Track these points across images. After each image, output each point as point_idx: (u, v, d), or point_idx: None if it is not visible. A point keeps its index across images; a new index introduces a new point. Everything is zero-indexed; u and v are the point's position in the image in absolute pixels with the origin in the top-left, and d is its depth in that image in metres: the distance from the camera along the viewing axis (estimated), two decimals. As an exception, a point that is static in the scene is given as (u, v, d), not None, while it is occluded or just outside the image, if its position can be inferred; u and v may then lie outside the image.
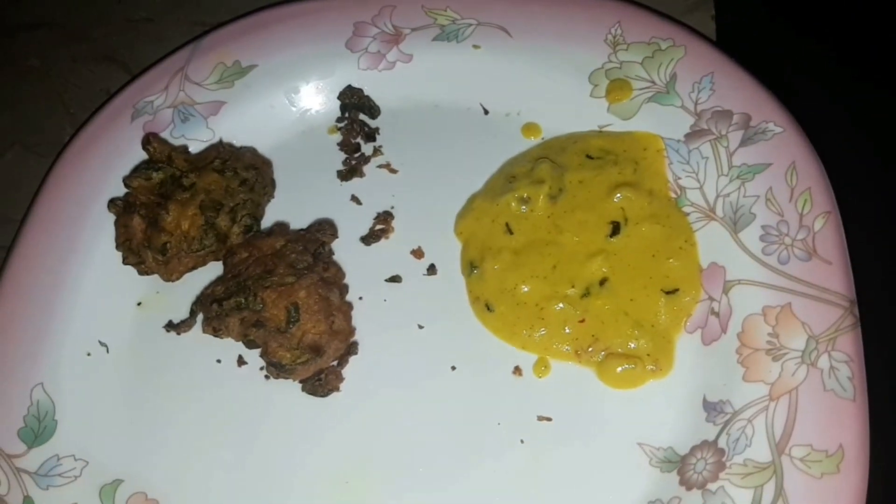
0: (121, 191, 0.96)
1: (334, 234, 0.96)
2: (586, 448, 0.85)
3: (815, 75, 1.03)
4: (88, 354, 0.93)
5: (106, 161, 1.00)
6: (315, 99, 1.05)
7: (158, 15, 1.22)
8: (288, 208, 1.00)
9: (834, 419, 0.77)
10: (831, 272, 0.84)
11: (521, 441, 0.86)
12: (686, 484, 0.80)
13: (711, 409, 0.83)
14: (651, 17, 1.01)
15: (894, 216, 0.94)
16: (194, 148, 1.02)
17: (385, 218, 0.99)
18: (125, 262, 0.94)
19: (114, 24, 1.23)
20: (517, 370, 0.89)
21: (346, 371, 0.90)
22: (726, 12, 1.09)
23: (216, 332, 0.88)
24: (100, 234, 0.97)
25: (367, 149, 1.04)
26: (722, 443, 0.81)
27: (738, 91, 0.94)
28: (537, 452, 0.85)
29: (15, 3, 1.26)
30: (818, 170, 0.88)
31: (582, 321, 0.89)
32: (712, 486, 0.79)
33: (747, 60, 0.97)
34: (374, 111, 1.05)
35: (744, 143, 0.92)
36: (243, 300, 0.86)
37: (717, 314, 0.87)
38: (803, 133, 0.90)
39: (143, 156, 0.98)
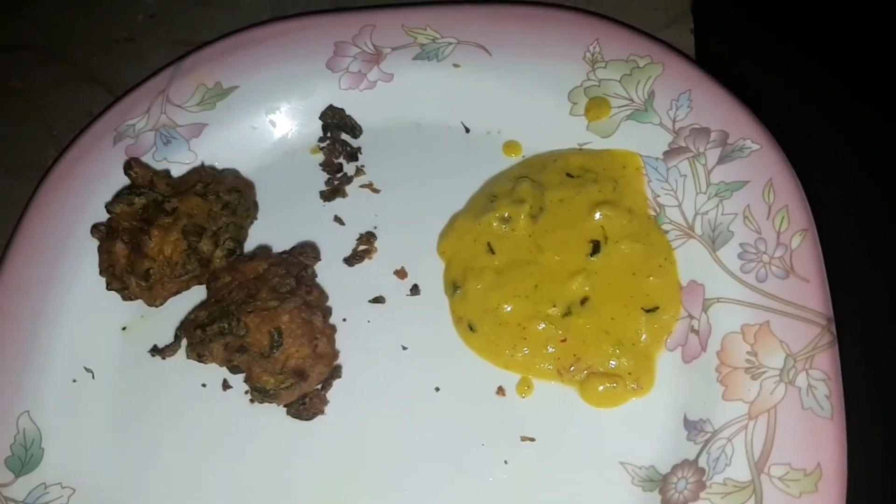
0: (103, 216, 0.96)
1: (317, 257, 0.97)
2: (569, 468, 0.85)
3: (793, 89, 1.03)
4: (74, 381, 0.93)
5: (88, 185, 1.01)
6: (297, 119, 1.06)
7: (139, 34, 1.22)
8: (271, 230, 1.01)
9: (812, 438, 0.78)
10: (808, 290, 0.84)
11: (505, 462, 0.86)
12: (667, 503, 0.81)
13: (692, 427, 0.84)
14: (629, 33, 1.01)
15: (872, 233, 0.94)
16: (176, 171, 1.02)
17: (368, 238, 0.99)
18: (109, 287, 0.94)
19: (95, 44, 1.23)
20: (500, 390, 0.90)
21: (331, 394, 0.91)
22: (705, 25, 1.10)
23: (200, 358, 0.89)
24: (83, 259, 0.97)
25: (349, 168, 1.04)
26: (702, 462, 0.81)
27: (715, 108, 0.95)
28: (521, 473, 0.86)
29: (-6, 24, 1.26)
30: (795, 187, 0.89)
31: (564, 340, 0.90)
32: (693, 506, 0.80)
33: (726, 74, 0.98)
34: (355, 131, 1.05)
35: (721, 160, 0.92)
36: (226, 325, 0.86)
37: (696, 332, 0.88)
38: (780, 150, 0.91)
39: (126, 180, 0.98)
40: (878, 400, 0.86)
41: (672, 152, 0.95)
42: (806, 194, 0.89)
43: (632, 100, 0.98)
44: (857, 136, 0.99)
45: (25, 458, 0.88)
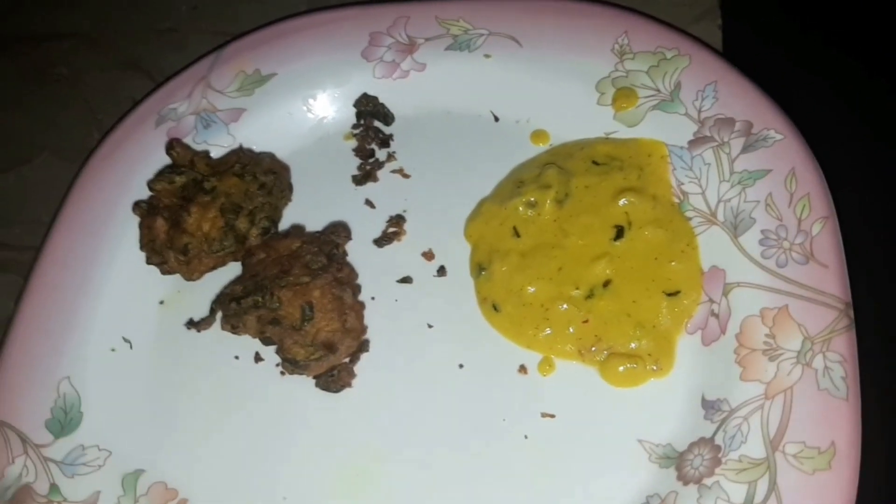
0: (145, 194, 1.00)
1: (348, 237, 1.00)
2: (588, 444, 0.87)
3: (817, 82, 1.05)
4: (113, 350, 0.97)
5: (131, 165, 1.05)
6: (331, 106, 1.09)
7: (182, 25, 1.27)
8: (304, 211, 1.04)
9: (827, 417, 0.80)
10: (827, 275, 0.86)
11: (525, 437, 0.89)
12: (683, 479, 0.83)
13: (709, 407, 0.86)
14: (657, 26, 1.04)
15: (890, 222, 0.96)
16: (215, 153, 1.06)
17: (397, 221, 1.02)
18: (149, 262, 0.98)
19: (139, 33, 1.27)
20: (522, 368, 0.92)
21: (358, 368, 0.94)
22: (732, 21, 1.12)
23: (234, 330, 0.92)
24: (125, 235, 1.01)
25: (381, 154, 1.07)
26: (718, 439, 0.83)
27: (740, 99, 0.97)
28: (540, 448, 0.88)
29: (44, 14, 1.31)
30: (817, 176, 0.91)
31: (586, 322, 0.92)
32: (708, 482, 0.81)
33: (752, 68, 1.00)
34: (388, 118, 1.08)
35: (745, 149, 0.94)
36: (260, 299, 0.90)
37: (716, 316, 0.90)
38: (803, 140, 0.93)
39: (167, 160, 1.03)
40: (892, 382, 0.87)
41: (697, 141, 0.97)
42: (828, 183, 0.90)
43: (658, 90, 1.00)
44: (881, 127, 1.00)
45: (65, 421, 0.92)
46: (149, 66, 1.24)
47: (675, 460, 0.85)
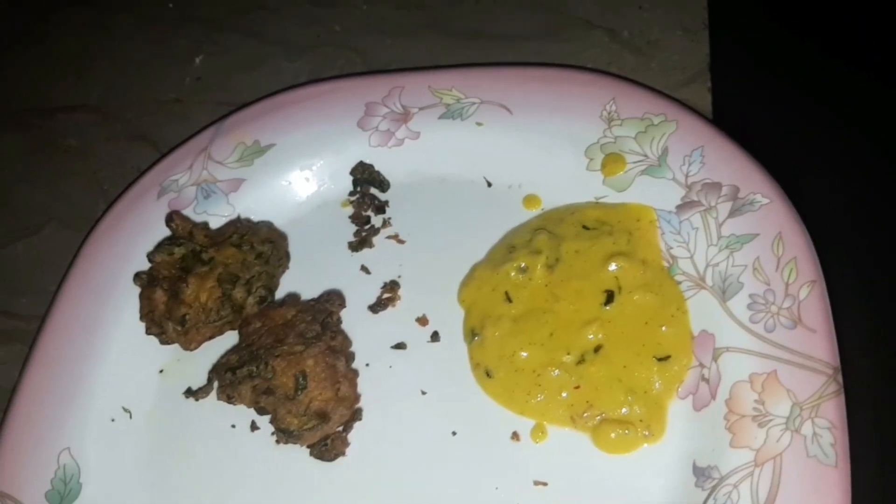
0: (147, 265, 1.02)
1: (342, 304, 1.01)
2: (580, 512, 0.87)
3: (806, 146, 1.06)
4: (112, 420, 0.99)
5: (133, 237, 1.07)
6: (329, 174, 1.12)
7: (186, 96, 1.31)
8: (302, 278, 1.06)
9: (816, 485, 0.79)
10: (816, 340, 0.86)
11: (518, 505, 0.89)
12: (675, 548, 0.83)
13: (700, 474, 0.85)
14: (644, 92, 1.06)
15: (880, 285, 0.96)
16: (215, 223, 1.08)
17: (392, 287, 1.04)
18: (148, 332, 1.00)
19: (145, 104, 1.31)
20: (515, 435, 0.92)
21: (352, 436, 0.95)
22: (722, 84, 1.14)
23: (230, 399, 0.93)
24: (126, 305, 1.03)
25: (377, 221, 1.09)
26: (709, 508, 0.83)
27: (727, 163, 0.98)
28: (532, 517, 0.88)
29: (55, 87, 1.36)
30: (804, 240, 0.91)
31: (577, 387, 0.92)
32: (699, 551, 0.81)
33: (741, 131, 1.01)
34: (384, 185, 1.11)
35: (732, 213, 0.95)
36: (255, 368, 0.91)
37: (707, 381, 0.90)
38: (790, 203, 0.94)
39: (167, 231, 1.05)
40: (883, 449, 0.87)
41: (685, 206, 0.98)
42: (815, 247, 0.91)
43: (646, 155, 1.02)
44: (870, 190, 1.01)
45: (64, 492, 0.93)
46: (154, 136, 1.28)
47: (667, 529, 0.84)
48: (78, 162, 1.28)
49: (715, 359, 0.90)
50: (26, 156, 1.31)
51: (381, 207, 1.10)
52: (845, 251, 0.96)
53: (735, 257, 0.93)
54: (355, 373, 0.97)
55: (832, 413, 0.82)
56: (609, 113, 1.05)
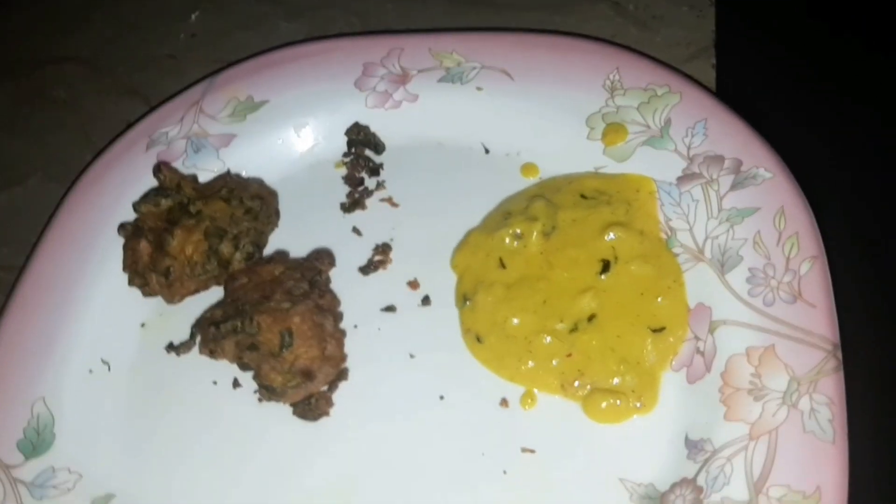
0: (132, 216, 1.00)
1: (332, 263, 0.99)
2: (568, 482, 0.85)
3: (810, 122, 1.04)
4: (90, 371, 0.96)
5: (120, 188, 1.05)
6: (323, 134, 1.09)
7: (180, 52, 1.28)
8: (290, 237, 1.04)
9: (812, 461, 0.77)
10: (816, 315, 0.84)
11: (504, 472, 0.86)
12: (664, 520, 0.81)
13: (692, 446, 0.83)
14: (649, 63, 1.04)
15: (881, 262, 0.94)
16: (204, 177, 1.06)
17: (384, 249, 1.01)
18: (131, 283, 0.98)
19: (138, 60, 1.29)
20: (504, 402, 0.90)
21: (337, 397, 0.92)
22: (727, 60, 1.12)
23: (212, 354, 0.91)
24: (110, 257, 1.01)
25: (370, 183, 1.07)
26: (701, 480, 0.81)
27: (729, 137, 0.96)
28: (519, 484, 0.85)
29: (45, 38, 1.33)
30: (806, 215, 0.90)
31: (569, 355, 0.90)
32: (689, 523, 0.79)
33: (744, 106, 1.00)
34: (379, 147, 1.08)
35: (734, 187, 0.93)
36: (239, 324, 0.89)
37: (702, 353, 0.88)
38: (793, 178, 0.92)
39: (155, 183, 1.02)
40: (882, 426, 0.85)
41: (685, 178, 0.96)
42: (817, 222, 0.89)
43: (648, 126, 1.00)
44: (873, 166, 0.99)
45: (37, 442, 0.90)
46: (146, 91, 1.25)
47: (657, 501, 0.82)
48: (66, 115, 1.25)
49: (711, 331, 0.88)
50: (13, 106, 1.28)
51: (375, 170, 1.08)
52: (847, 227, 0.94)
53: (735, 230, 0.92)
54: (343, 333, 0.94)
55: (831, 389, 0.80)
56: (612, 82, 1.03)
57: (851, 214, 0.97)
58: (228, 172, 1.06)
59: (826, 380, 0.81)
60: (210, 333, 0.90)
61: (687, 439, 0.84)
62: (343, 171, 1.08)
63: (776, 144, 0.95)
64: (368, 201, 1.06)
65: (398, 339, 0.95)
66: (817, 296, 0.85)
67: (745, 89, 1.09)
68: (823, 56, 1.10)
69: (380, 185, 1.06)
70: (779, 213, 0.90)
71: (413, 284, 0.99)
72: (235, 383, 0.95)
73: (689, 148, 0.97)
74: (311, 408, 0.91)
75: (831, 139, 1.03)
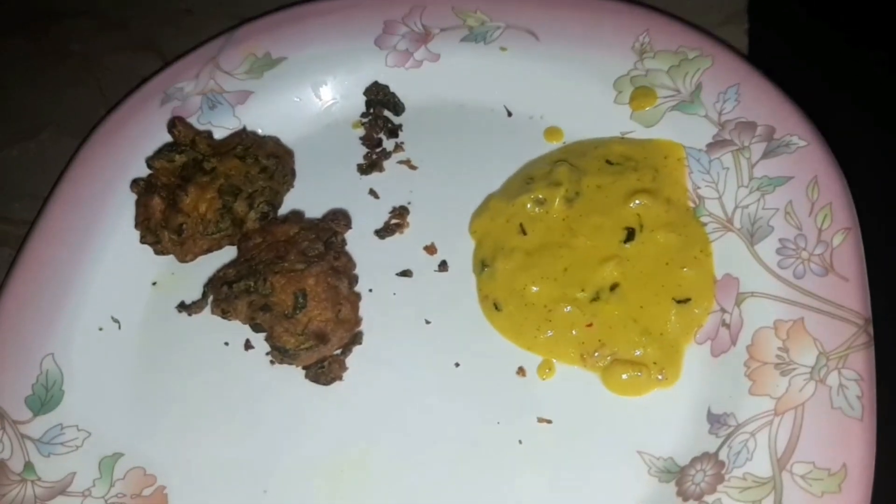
0: (145, 172, 0.98)
1: (348, 225, 0.97)
2: (584, 453, 0.83)
3: (844, 90, 1.01)
4: (101, 329, 0.94)
5: (133, 143, 1.02)
6: (341, 93, 1.06)
7: (198, 8, 1.25)
8: (307, 198, 1.01)
9: (839, 438, 0.75)
10: (847, 289, 0.81)
11: (520, 441, 0.84)
12: (683, 495, 0.78)
13: (715, 420, 0.81)
14: (680, 26, 1.00)
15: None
16: (219, 135, 1.03)
17: (401, 213, 0.99)
18: (142, 240, 0.96)
19: (154, 15, 1.26)
20: (521, 371, 0.88)
21: (350, 361, 0.90)
22: (759, 25, 1.08)
23: (224, 314, 0.89)
24: (122, 213, 0.99)
25: (388, 144, 1.04)
26: (723, 455, 0.79)
27: (763, 103, 0.93)
28: (534, 453, 0.84)
29: (63, -7, 1.30)
30: (840, 185, 0.86)
31: (590, 325, 0.88)
32: (709, 499, 0.77)
33: (777, 73, 0.96)
34: (398, 108, 1.05)
35: (766, 155, 0.90)
36: (252, 284, 0.87)
37: (727, 326, 0.85)
38: (827, 147, 0.89)
39: (170, 139, 1.00)
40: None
41: (716, 144, 0.93)
42: (852, 193, 0.86)
43: (678, 91, 0.97)
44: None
45: (45, 399, 0.89)
46: (163, 47, 1.23)
47: (676, 475, 0.80)
48: (81, 69, 1.23)
49: (738, 304, 0.85)
50: (28, 60, 1.26)
51: (394, 131, 1.05)
52: (882, 199, 0.91)
53: (766, 200, 0.89)
54: (358, 296, 0.92)
55: (860, 365, 0.77)
56: (642, 45, 0.99)
57: (886, 185, 0.93)
58: (244, 130, 1.03)
59: (856, 355, 0.78)
60: (222, 293, 0.88)
61: (709, 413, 0.82)
62: (361, 131, 1.05)
63: (810, 112, 0.92)
64: (386, 163, 1.03)
65: (414, 304, 0.93)
66: (849, 269, 0.82)
67: (777, 55, 1.05)
68: (858, 23, 1.06)
69: (398, 147, 1.04)
70: (812, 183, 0.87)
71: (430, 249, 0.96)
72: (247, 345, 0.93)
73: (720, 114, 0.94)
74: (324, 371, 0.89)
75: (866, 107, 0.99)
